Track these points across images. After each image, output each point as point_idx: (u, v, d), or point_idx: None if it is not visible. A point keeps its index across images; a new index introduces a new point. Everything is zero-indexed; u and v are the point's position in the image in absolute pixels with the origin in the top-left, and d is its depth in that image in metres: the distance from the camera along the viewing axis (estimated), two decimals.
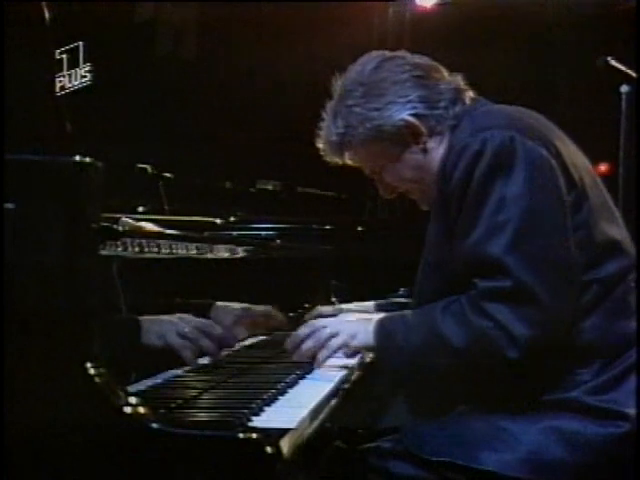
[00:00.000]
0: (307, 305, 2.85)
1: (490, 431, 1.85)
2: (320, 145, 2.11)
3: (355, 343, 2.01)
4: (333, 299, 3.06)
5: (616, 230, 1.98)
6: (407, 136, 2.03)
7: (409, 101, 2.00)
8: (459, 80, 2.08)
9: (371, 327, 1.97)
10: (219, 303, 2.37)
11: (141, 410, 1.45)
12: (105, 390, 1.45)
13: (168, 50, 4.40)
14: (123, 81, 2.93)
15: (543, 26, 5.56)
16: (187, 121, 3.63)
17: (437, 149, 2.03)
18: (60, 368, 1.46)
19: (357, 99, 2.03)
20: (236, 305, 2.41)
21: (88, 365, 1.45)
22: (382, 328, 1.96)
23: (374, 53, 2.10)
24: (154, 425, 1.43)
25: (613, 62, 3.28)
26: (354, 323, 2.04)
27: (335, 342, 2.01)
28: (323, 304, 2.93)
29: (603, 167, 4.66)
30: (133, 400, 1.47)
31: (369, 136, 2.03)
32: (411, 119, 2.01)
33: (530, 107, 2.06)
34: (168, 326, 1.97)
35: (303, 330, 2.07)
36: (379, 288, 2.78)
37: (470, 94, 2.08)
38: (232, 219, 3.27)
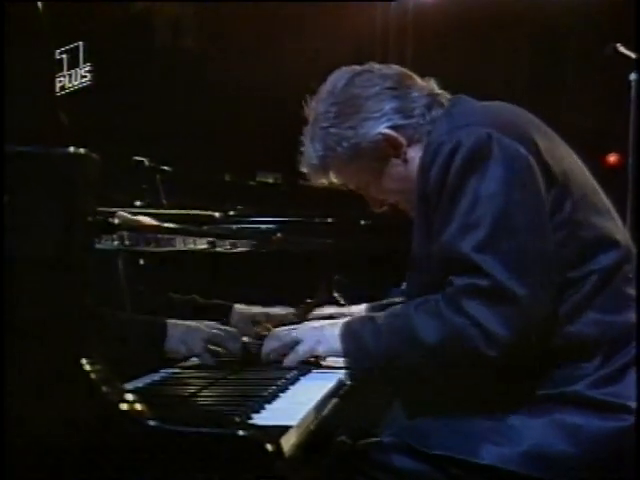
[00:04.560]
0: (309, 300, 2.84)
1: (491, 425, 1.83)
2: (304, 169, 2.11)
3: (321, 349, 1.99)
4: (335, 294, 3.04)
5: (609, 222, 1.95)
6: (387, 149, 2.02)
7: (384, 114, 2.00)
8: (433, 85, 2.07)
9: (337, 330, 1.94)
10: (237, 306, 2.37)
11: (138, 407, 1.44)
12: (102, 387, 1.43)
13: (167, 42, 4.39)
14: (121, 73, 2.91)
15: (549, 15, 5.53)
16: (186, 113, 3.61)
17: (417, 158, 2.00)
18: (56, 364, 1.45)
19: (331, 120, 2.03)
20: (255, 309, 2.41)
21: (84, 361, 1.43)
22: (349, 330, 1.93)
23: (343, 69, 2.09)
24: (152, 422, 1.42)
25: (622, 49, 3.22)
26: (319, 329, 2.01)
27: (301, 349, 2.00)
28: (325, 299, 2.91)
29: (612, 158, 4.60)
30: (130, 397, 1.45)
31: (349, 155, 2.03)
32: (388, 131, 2.00)
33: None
34: (193, 333, 1.98)
35: (269, 341, 2.07)
36: (381, 283, 2.76)
37: (446, 96, 2.07)
38: (232, 213, 3.25)
